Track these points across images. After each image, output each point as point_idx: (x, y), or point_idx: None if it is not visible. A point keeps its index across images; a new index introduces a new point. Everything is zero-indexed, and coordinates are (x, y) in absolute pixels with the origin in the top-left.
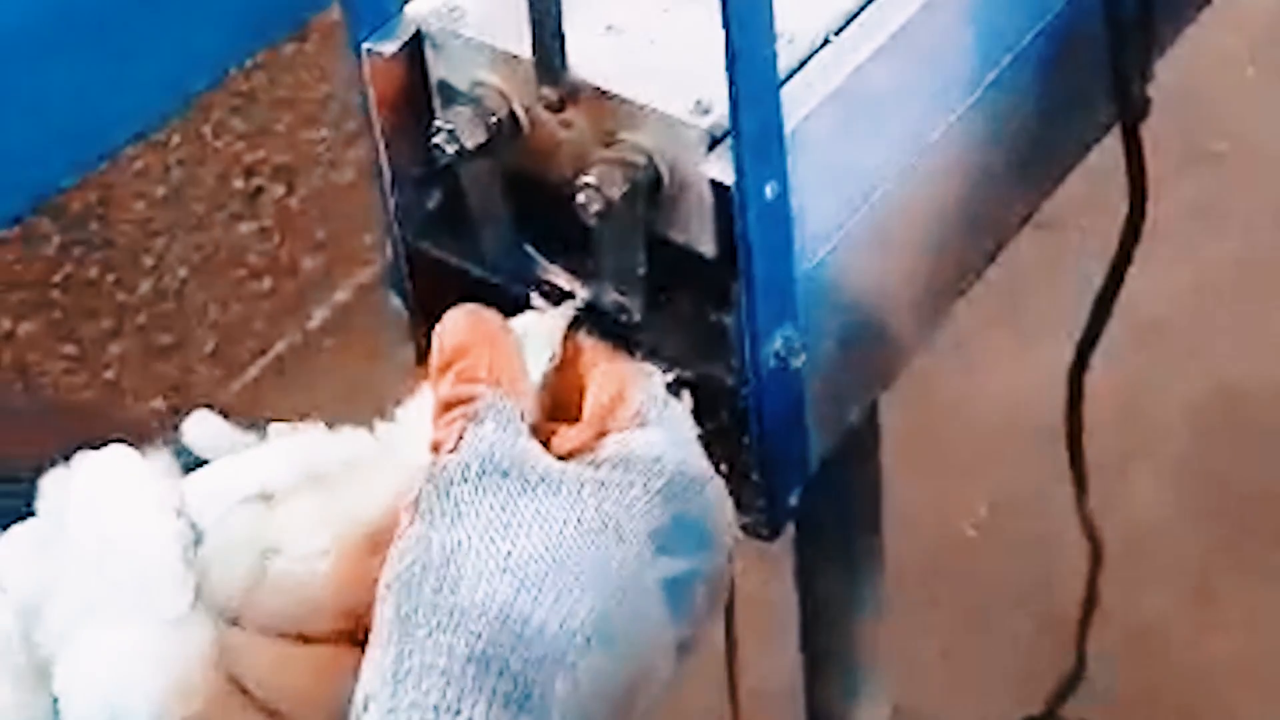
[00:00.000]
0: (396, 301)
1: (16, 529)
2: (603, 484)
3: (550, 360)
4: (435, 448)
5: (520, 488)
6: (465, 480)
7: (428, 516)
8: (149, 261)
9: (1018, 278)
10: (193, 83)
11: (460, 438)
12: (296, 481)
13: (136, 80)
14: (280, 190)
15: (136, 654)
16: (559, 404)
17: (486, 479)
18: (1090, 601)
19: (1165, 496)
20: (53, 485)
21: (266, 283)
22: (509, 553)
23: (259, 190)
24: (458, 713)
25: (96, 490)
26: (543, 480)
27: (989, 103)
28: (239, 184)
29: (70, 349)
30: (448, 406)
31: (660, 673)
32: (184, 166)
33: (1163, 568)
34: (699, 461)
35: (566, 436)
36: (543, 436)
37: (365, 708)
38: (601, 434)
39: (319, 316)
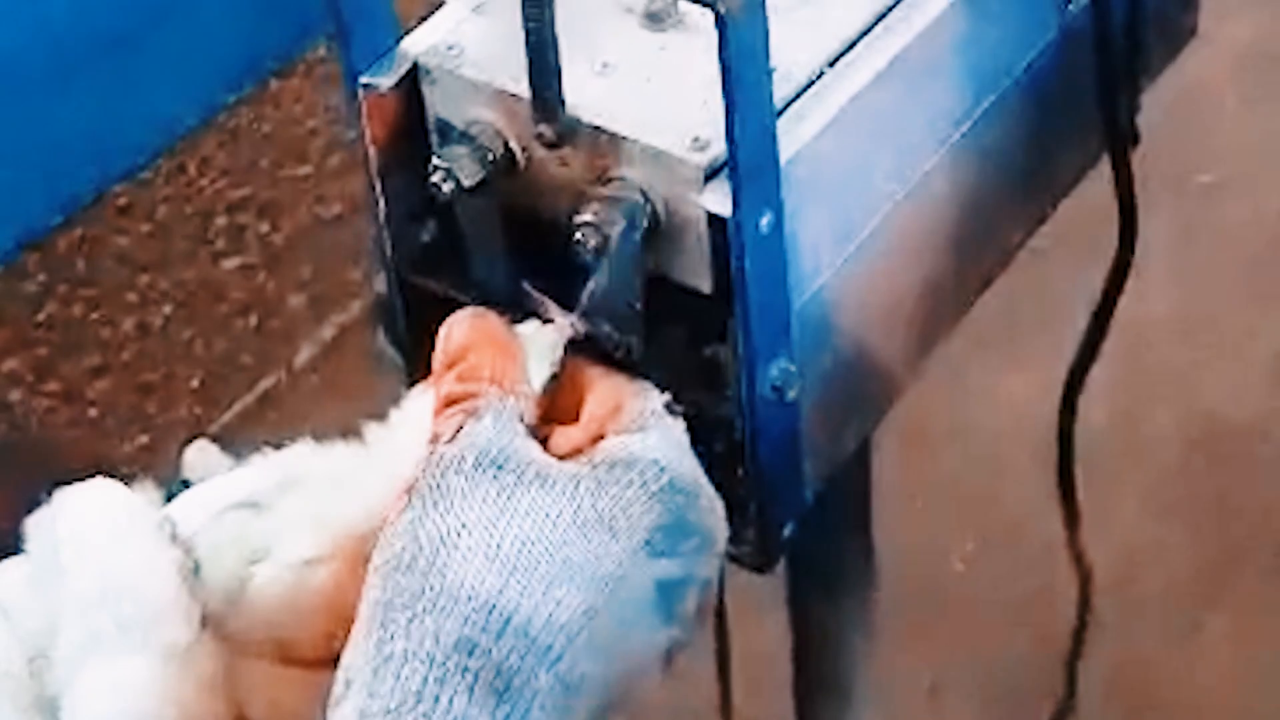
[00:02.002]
0: (383, 339)
1: (8, 562)
2: (599, 481)
3: (551, 368)
4: (433, 441)
5: (514, 480)
6: (459, 471)
7: (419, 504)
8: (133, 298)
9: (1004, 308)
10: (181, 122)
11: (458, 431)
12: (283, 490)
13: (125, 121)
14: (265, 227)
15: (141, 687)
16: (557, 417)
17: (481, 470)
18: (1080, 630)
19: (1153, 525)
20: (40, 524)
21: (251, 320)
22: (499, 542)
23: (243, 227)
24: (437, 699)
25: (87, 524)
26: (538, 475)
27: (981, 134)
28: (223, 220)
29: (54, 386)
30: (449, 403)
31: (647, 674)
32: (168, 203)
33: (1152, 596)
34: (695, 470)
35: (564, 437)
36: (540, 436)
37: (346, 689)
38: (599, 437)
39: (305, 354)
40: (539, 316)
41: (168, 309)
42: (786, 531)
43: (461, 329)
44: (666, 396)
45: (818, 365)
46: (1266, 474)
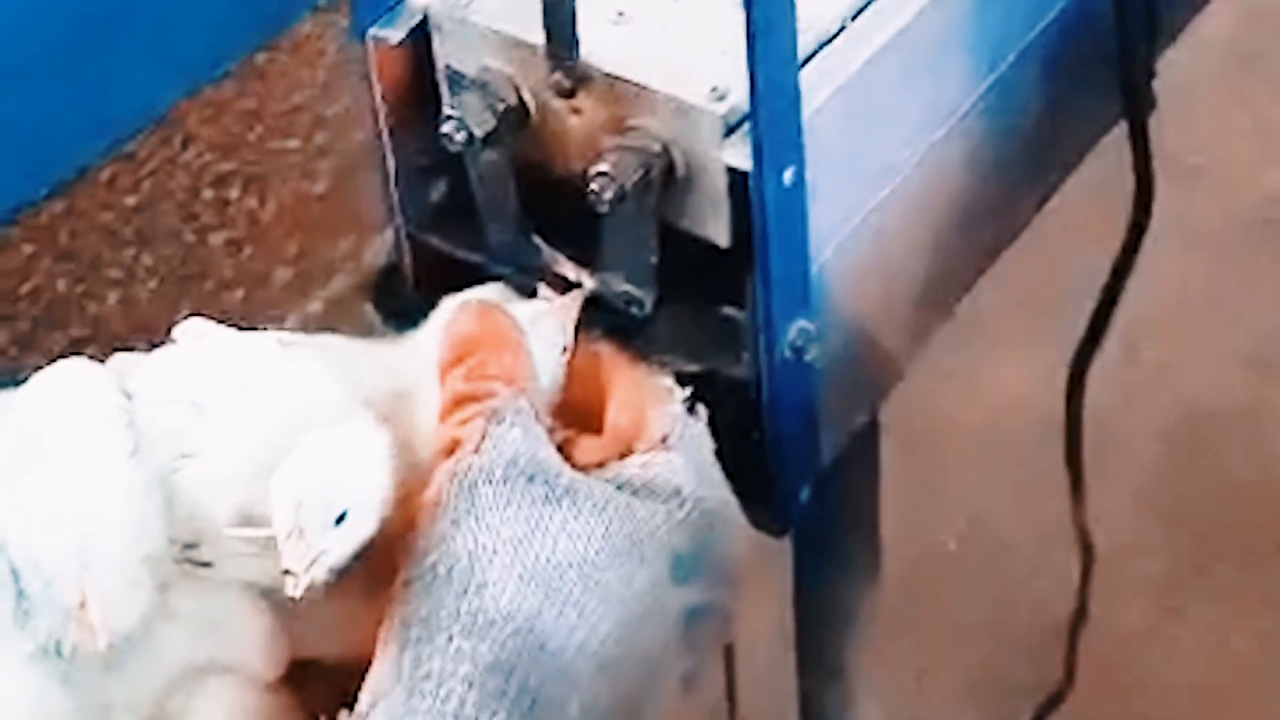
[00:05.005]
0: (373, 313)
1: None
2: (627, 505)
3: (562, 354)
4: (452, 446)
5: (545, 496)
6: (490, 482)
7: (451, 516)
8: (118, 273)
9: (996, 291)
10: (167, 97)
11: (483, 437)
12: (230, 396)
13: (110, 96)
14: (251, 201)
15: (95, 491)
16: (575, 409)
17: (511, 483)
18: (1081, 612)
19: (1135, 514)
20: (5, 402)
21: (238, 294)
22: (534, 563)
23: (229, 201)
24: None
25: (46, 380)
26: (568, 492)
27: (1000, 93)
28: (209, 195)
29: (37, 360)
30: (459, 402)
31: (663, 702)
32: (154, 177)
33: (1132, 587)
34: (719, 491)
35: (586, 449)
36: (557, 443)
37: (371, 706)
38: (623, 453)
39: (291, 328)
40: (550, 274)
41: (153, 283)
42: (803, 495)
43: (467, 322)
44: (687, 393)
45: (834, 328)
46: (1247, 462)
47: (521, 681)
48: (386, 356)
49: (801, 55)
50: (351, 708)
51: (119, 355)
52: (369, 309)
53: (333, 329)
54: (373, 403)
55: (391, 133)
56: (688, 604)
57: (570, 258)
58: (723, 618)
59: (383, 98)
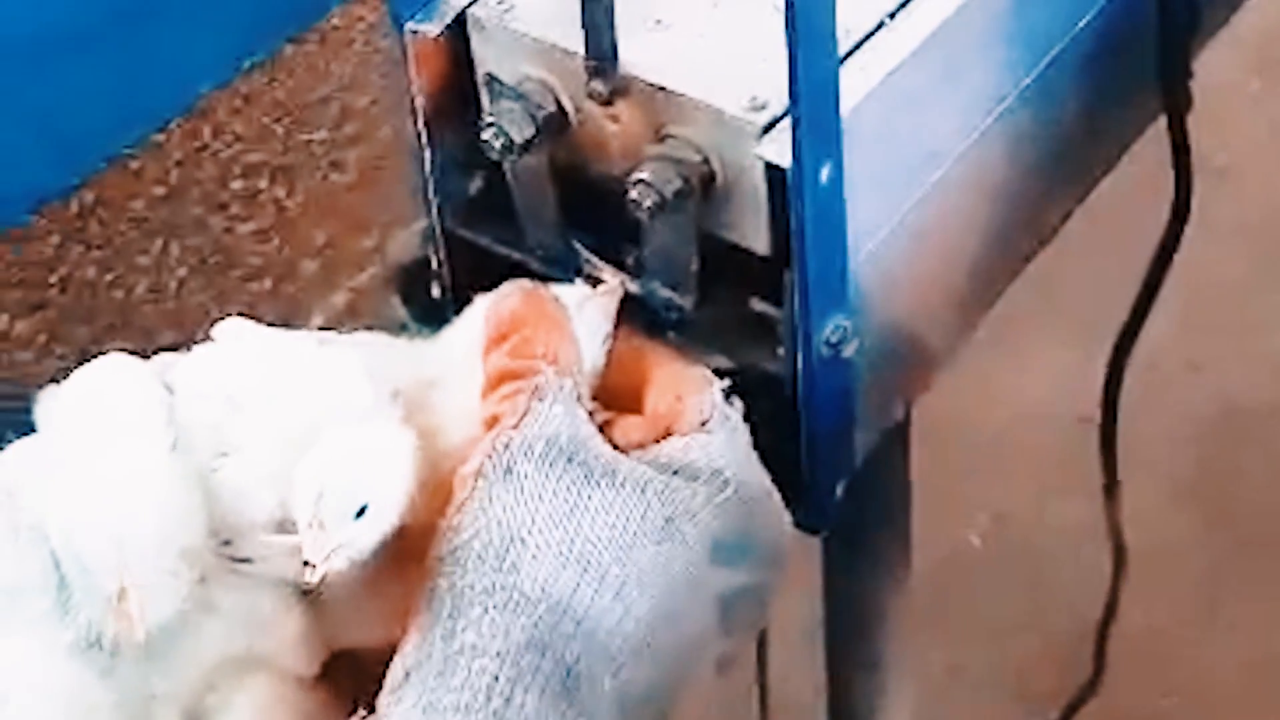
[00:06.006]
0: (398, 305)
1: (19, 443)
2: (667, 486)
3: (604, 341)
4: (493, 422)
5: (584, 475)
6: (529, 459)
7: (489, 491)
8: (146, 262)
9: (1019, 292)
10: (196, 87)
11: (525, 413)
12: (265, 393)
13: (140, 86)
14: (279, 192)
15: (135, 483)
16: (613, 396)
17: (551, 461)
18: (1110, 609)
19: (1169, 512)
20: (50, 398)
21: (265, 284)
22: (572, 541)
23: (258, 191)
24: (509, 698)
25: (89, 375)
26: (608, 472)
27: (1039, 92)
28: (238, 185)
29: (65, 348)
30: (502, 378)
31: (695, 682)
32: (182, 167)
33: (1168, 582)
34: (758, 476)
35: (626, 429)
36: (598, 424)
37: (405, 678)
38: (662, 435)
39: (317, 319)
40: (587, 277)
41: (181, 272)
42: (838, 492)
43: (513, 301)
44: (726, 383)
45: (872, 324)
46: (1279, 459)
47: (556, 659)
48: (419, 352)
49: (841, 53)
50: None
51: (160, 353)
52: (395, 301)
53: (359, 320)
54: (402, 394)
55: (429, 126)
56: (727, 587)
57: (609, 262)
58: (761, 601)
59: (420, 91)
